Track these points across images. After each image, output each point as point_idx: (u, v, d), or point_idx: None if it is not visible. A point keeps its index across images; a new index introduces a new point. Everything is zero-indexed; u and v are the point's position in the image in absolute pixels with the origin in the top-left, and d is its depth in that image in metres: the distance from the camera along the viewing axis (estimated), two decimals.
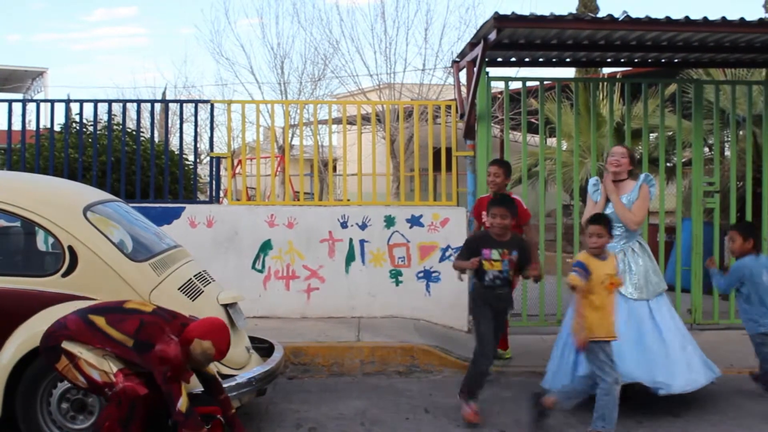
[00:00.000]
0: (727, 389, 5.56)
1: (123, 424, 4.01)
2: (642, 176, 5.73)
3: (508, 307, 5.40)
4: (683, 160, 11.01)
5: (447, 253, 7.80)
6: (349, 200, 9.42)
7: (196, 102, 9.26)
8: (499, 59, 8.22)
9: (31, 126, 9.71)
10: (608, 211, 5.55)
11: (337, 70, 20.96)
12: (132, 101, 9.45)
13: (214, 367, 4.69)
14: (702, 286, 7.99)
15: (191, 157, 12.17)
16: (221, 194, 9.16)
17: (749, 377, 5.91)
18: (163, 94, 24.96)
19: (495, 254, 5.14)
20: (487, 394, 5.83)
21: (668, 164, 10.25)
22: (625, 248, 5.57)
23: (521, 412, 5.37)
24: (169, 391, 4.00)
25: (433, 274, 7.81)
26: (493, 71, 8.14)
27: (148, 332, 4.08)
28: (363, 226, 7.83)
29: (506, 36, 7.21)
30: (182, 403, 3.98)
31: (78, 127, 8.64)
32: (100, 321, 4.13)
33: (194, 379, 4.39)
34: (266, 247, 7.82)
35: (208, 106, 8.71)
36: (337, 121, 16.46)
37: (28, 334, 4.38)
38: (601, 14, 8.07)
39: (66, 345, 4.06)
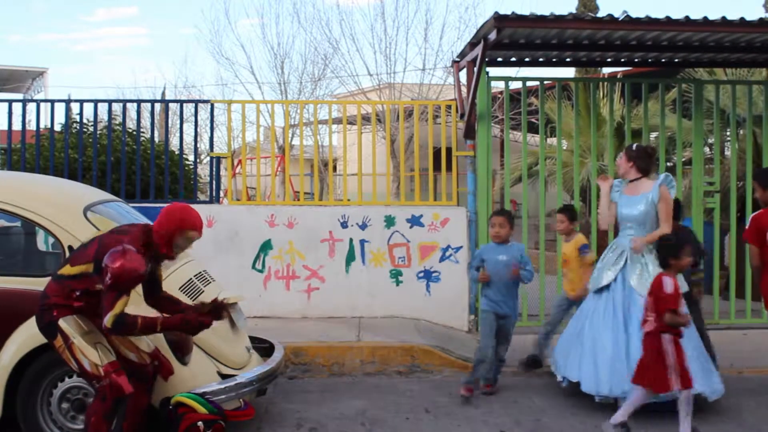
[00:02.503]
0: (727, 389, 5.55)
1: (109, 419, 4.03)
2: (662, 177, 5.62)
3: None
4: (683, 159, 11.00)
5: (447, 253, 7.81)
6: (349, 200, 9.41)
7: (196, 102, 9.26)
8: (499, 59, 8.22)
9: (31, 126, 9.72)
10: (626, 211, 5.58)
11: (337, 70, 20.99)
12: (132, 101, 9.46)
13: (213, 366, 4.70)
14: (702, 286, 7.98)
15: (191, 157, 12.18)
16: (221, 194, 9.16)
17: None
18: (162, 93, 24.97)
19: None
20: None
21: (668, 164, 10.23)
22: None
23: (521, 412, 5.38)
24: (104, 302, 3.96)
25: (434, 274, 7.81)
26: (493, 71, 8.14)
27: (105, 249, 4.04)
28: (363, 226, 7.83)
29: (506, 36, 7.21)
30: (109, 318, 3.92)
31: (78, 127, 8.64)
32: (65, 270, 4.14)
33: (197, 378, 4.39)
34: (266, 247, 7.82)
35: (208, 106, 8.72)
36: (337, 121, 16.46)
37: (29, 334, 4.37)
38: (601, 14, 8.07)
39: (62, 323, 4.05)
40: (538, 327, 7.60)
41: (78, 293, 4.09)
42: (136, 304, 4.40)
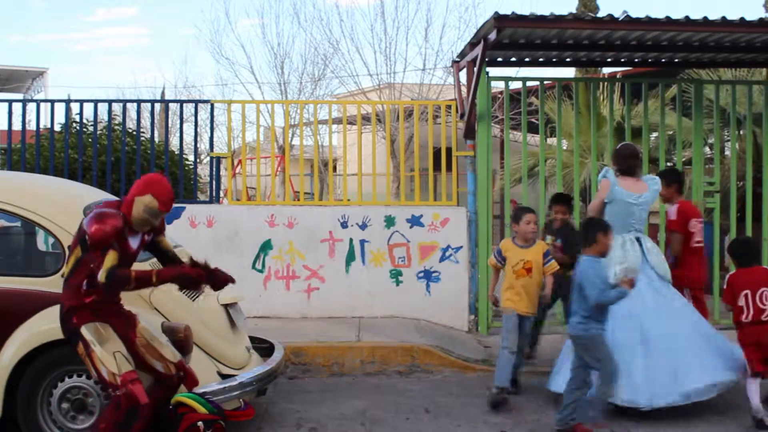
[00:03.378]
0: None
1: (119, 428, 4.01)
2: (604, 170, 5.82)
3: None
4: (683, 159, 11.01)
5: (447, 253, 7.81)
6: (349, 200, 9.42)
7: (196, 102, 9.26)
8: (499, 59, 8.22)
9: (31, 126, 9.71)
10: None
11: (337, 70, 20.98)
12: (132, 101, 9.46)
13: (214, 366, 4.70)
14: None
15: (191, 157, 12.17)
16: (221, 194, 9.15)
17: None
18: (162, 93, 24.96)
19: None
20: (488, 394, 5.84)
21: (668, 164, 10.23)
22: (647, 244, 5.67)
23: (521, 412, 5.38)
24: (95, 264, 3.98)
25: (434, 274, 7.81)
26: (493, 71, 8.14)
27: (85, 225, 4.07)
28: (363, 226, 7.83)
29: (506, 36, 7.22)
30: (102, 273, 3.94)
31: (78, 127, 8.64)
32: (66, 270, 4.16)
33: (204, 376, 4.40)
34: (266, 247, 7.82)
35: (208, 106, 8.72)
36: (337, 121, 16.45)
37: (29, 334, 4.38)
38: (601, 14, 8.08)
39: (83, 331, 4.05)
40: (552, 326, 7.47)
41: (84, 287, 4.08)
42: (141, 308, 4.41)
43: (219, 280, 4.43)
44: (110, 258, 3.96)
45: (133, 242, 4.21)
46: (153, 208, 4.11)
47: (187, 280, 4.20)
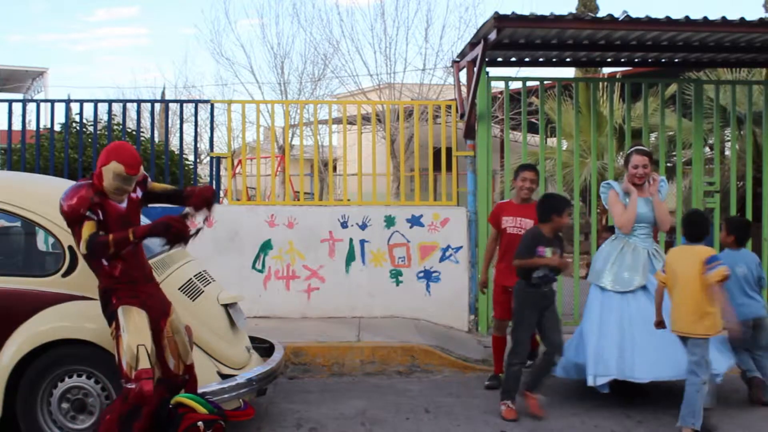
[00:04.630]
0: (726, 388, 5.55)
1: (123, 421, 4.02)
2: (660, 178, 5.77)
3: (552, 304, 5.43)
4: (683, 159, 11.01)
5: (447, 253, 7.81)
6: (349, 200, 9.42)
7: (196, 102, 9.26)
8: (499, 59, 8.22)
9: (31, 126, 9.72)
10: (641, 211, 5.60)
11: (337, 70, 20.98)
12: (132, 101, 9.46)
13: (214, 366, 4.70)
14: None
15: (191, 157, 12.20)
16: (221, 194, 9.16)
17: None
18: (162, 93, 24.96)
19: (548, 252, 5.20)
20: (488, 394, 5.84)
21: (668, 164, 10.24)
22: (650, 249, 5.63)
23: (522, 412, 5.37)
24: (75, 239, 4.07)
25: (434, 274, 7.81)
26: (493, 71, 8.14)
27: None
28: (363, 226, 7.83)
29: (506, 36, 7.21)
30: (82, 247, 4.03)
31: (78, 127, 8.64)
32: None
33: (204, 376, 4.40)
34: (266, 247, 7.82)
35: (208, 106, 8.72)
36: (337, 121, 16.45)
37: (29, 334, 4.38)
38: (601, 14, 8.07)
39: (119, 313, 4.08)
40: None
41: (105, 264, 4.12)
42: None
43: (197, 198, 4.41)
44: (87, 228, 4.02)
45: (122, 204, 4.23)
46: (121, 174, 4.12)
47: (164, 228, 4.14)
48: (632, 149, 5.81)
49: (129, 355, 4.00)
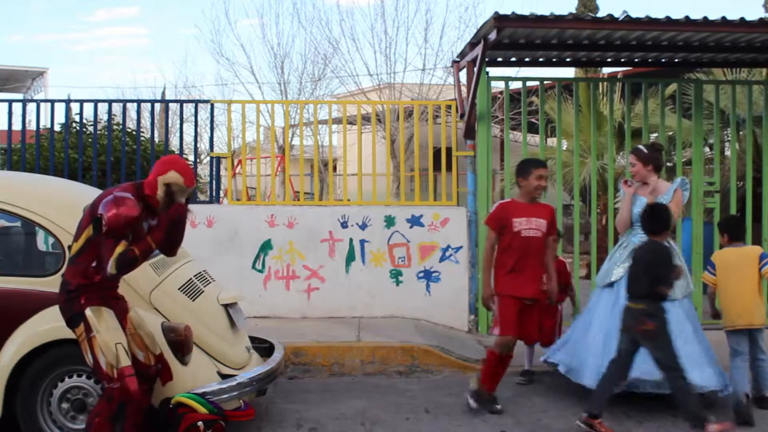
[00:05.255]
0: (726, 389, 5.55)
1: (113, 421, 4.02)
2: (678, 180, 5.72)
3: None
4: (683, 159, 11.01)
5: (447, 253, 7.81)
6: (349, 200, 9.42)
7: (196, 102, 9.25)
8: (499, 59, 8.22)
9: (31, 126, 9.72)
10: (636, 210, 5.57)
11: (337, 70, 20.98)
12: (132, 101, 9.46)
13: (213, 366, 4.70)
14: (702, 286, 7.98)
15: (191, 157, 12.17)
16: (221, 194, 9.16)
17: None
18: (162, 93, 24.96)
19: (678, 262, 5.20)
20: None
21: (668, 164, 10.23)
22: None
23: (521, 412, 5.38)
24: (103, 251, 3.99)
25: (434, 274, 7.81)
26: (493, 71, 8.14)
27: (97, 205, 4.06)
28: (363, 226, 7.83)
29: (506, 36, 7.22)
30: (111, 264, 3.97)
31: (78, 127, 8.64)
32: (74, 248, 4.14)
33: (197, 378, 4.40)
34: (266, 247, 7.82)
35: (208, 106, 8.72)
36: (337, 121, 16.46)
37: (29, 334, 4.38)
38: (601, 14, 8.08)
39: (88, 313, 4.03)
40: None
41: (93, 265, 4.07)
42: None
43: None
44: (119, 248, 3.98)
45: (146, 225, 4.23)
46: (179, 184, 4.13)
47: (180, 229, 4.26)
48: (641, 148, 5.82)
49: (109, 354, 3.98)
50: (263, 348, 5.51)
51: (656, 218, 5.06)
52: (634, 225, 5.63)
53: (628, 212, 5.63)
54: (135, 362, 4.15)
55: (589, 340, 5.54)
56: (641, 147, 5.77)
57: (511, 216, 5.32)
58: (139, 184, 4.21)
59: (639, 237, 5.50)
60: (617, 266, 5.59)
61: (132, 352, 4.16)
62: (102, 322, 4.04)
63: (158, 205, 4.14)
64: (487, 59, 7.53)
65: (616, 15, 6.90)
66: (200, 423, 4.20)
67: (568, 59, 8.44)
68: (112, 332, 4.05)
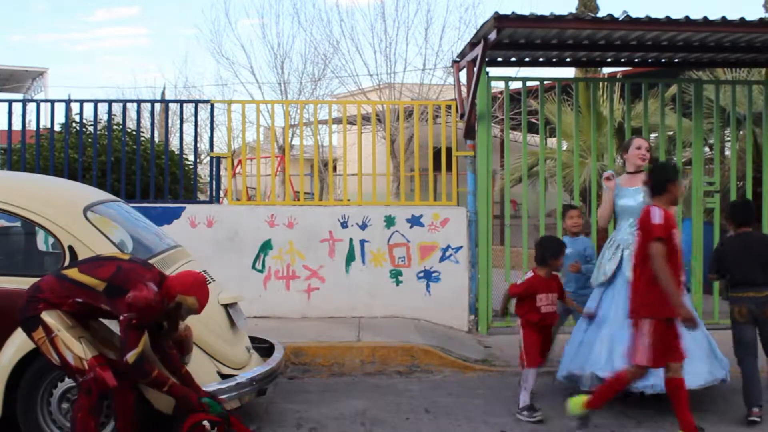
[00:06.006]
0: (726, 389, 5.55)
1: (95, 414, 4.03)
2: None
3: None
4: (683, 159, 11.01)
5: (447, 253, 7.80)
6: (349, 200, 9.42)
7: (196, 102, 9.25)
8: (499, 59, 8.22)
9: (31, 126, 9.71)
10: (624, 202, 5.58)
11: (337, 70, 20.96)
12: (132, 101, 9.46)
13: (213, 366, 4.70)
14: (702, 286, 7.99)
15: (191, 157, 12.18)
16: (221, 194, 9.15)
17: None
18: (162, 93, 24.95)
19: None
20: (488, 394, 5.84)
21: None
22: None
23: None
24: (126, 338, 3.98)
25: (434, 274, 7.81)
26: (493, 71, 8.14)
27: (125, 277, 4.05)
28: (363, 226, 7.82)
29: (506, 36, 7.21)
30: (132, 355, 3.96)
31: (78, 127, 8.64)
32: (72, 273, 4.15)
33: (197, 378, 4.40)
34: (266, 247, 7.82)
35: (208, 106, 8.71)
36: (337, 121, 16.44)
37: None
38: (601, 14, 8.07)
39: (45, 316, 4.04)
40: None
41: (78, 300, 4.09)
42: None
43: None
44: (143, 342, 4.01)
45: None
46: (193, 310, 4.16)
47: (187, 406, 4.22)
48: (630, 137, 5.86)
49: (75, 347, 4.00)
50: (263, 348, 5.51)
51: (748, 210, 5.33)
52: (619, 221, 5.66)
53: (611, 205, 5.68)
54: (110, 361, 4.15)
55: (593, 339, 5.47)
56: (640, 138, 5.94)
57: (670, 217, 4.76)
58: (163, 278, 4.20)
59: (624, 233, 5.52)
60: (609, 261, 5.57)
61: (102, 353, 4.15)
62: (60, 321, 4.06)
63: (161, 315, 4.14)
64: (487, 59, 7.53)
65: (616, 15, 6.90)
66: (206, 422, 4.20)
67: (568, 59, 8.43)
68: (73, 329, 4.07)
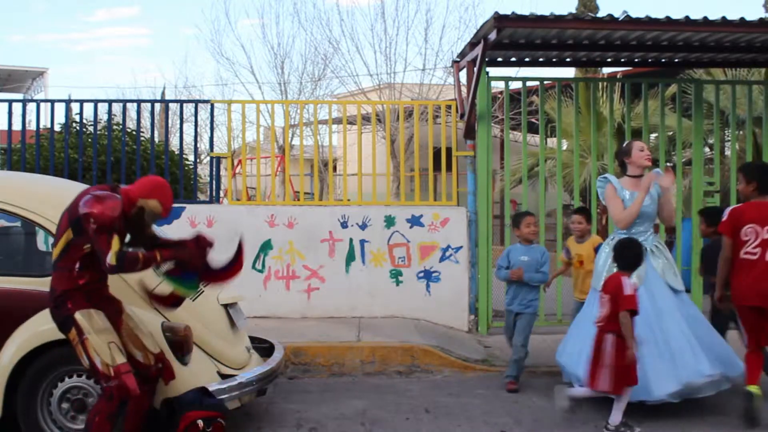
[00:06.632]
0: (726, 389, 5.55)
1: (112, 420, 4.02)
2: (656, 170, 5.66)
3: None
4: (683, 159, 11.02)
5: (447, 253, 7.81)
6: (349, 200, 9.42)
7: (196, 102, 9.26)
8: (499, 59, 8.22)
9: (31, 126, 9.72)
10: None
11: (337, 70, 20.95)
12: (132, 101, 9.46)
13: (213, 366, 4.70)
14: (702, 286, 7.98)
15: (191, 157, 12.18)
16: (221, 194, 9.15)
17: None
18: (162, 93, 24.95)
19: None
20: (488, 394, 5.84)
21: (668, 164, 10.24)
22: (650, 246, 5.54)
23: (521, 412, 5.38)
24: (99, 246, 3.94)
25: (434, 274, 7.81)
26: (493, 71, 8.14)
27: (76, 208, 4.03)
28: (363, 226, 7.83)
29: (506, 36, 7.22)
30: (111, 256, 3.91)
31: (78, 127, 8.64)
32: (55, 254, 4.13)
33: (197, 378, 4.40)
34: (266, 247, 7.82)
35: (208, 106, 8.72)
36: (337, 121, 16.46)
37: (29, 334, 4.37)
38: (601, 14, 8.08)
39: (78, 317, 4.03)
40: (538, 326, 7.54)
41: (77, 268, 4.06)
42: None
43: (202, 246, 4.36)
44: (116, 242, 3.96)
45: (161, 235, 4.28)
46: (157, 213, 4.14)
47: (191, 254, 4.21)
48: (629, 141, 5.83)
49: (103, 354, 3.99)
50: (263, 348, 5.51)
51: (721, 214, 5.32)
52: (614, 224, 5.66)
53: (639, 207, 5.51)
54: (134, 363, 4.15)
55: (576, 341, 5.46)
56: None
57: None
58: (115, 187, 4.19)
59: (639, 234, 5.51)
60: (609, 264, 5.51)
61: (130, 352, 4.16)
62: (93, 323, 4.04)
63: (128, 221, 4.11)
64: (487, 59, 7.53)
65: (616, 15, 6.90)
66: (200, 421, 4.20)
67: (568, 59, 8.44)
68: (103, 333, 4.05)
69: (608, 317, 4.79)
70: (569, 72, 27.12)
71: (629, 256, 5.00)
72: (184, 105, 8.66)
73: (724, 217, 5.28)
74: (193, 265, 4.25)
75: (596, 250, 6.07)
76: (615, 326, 4.74)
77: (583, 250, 6.28)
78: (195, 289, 4.38)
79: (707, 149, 10.98)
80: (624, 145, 5.83)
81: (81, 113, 8.40)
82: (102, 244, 3.94)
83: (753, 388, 4.94)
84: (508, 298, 6.10)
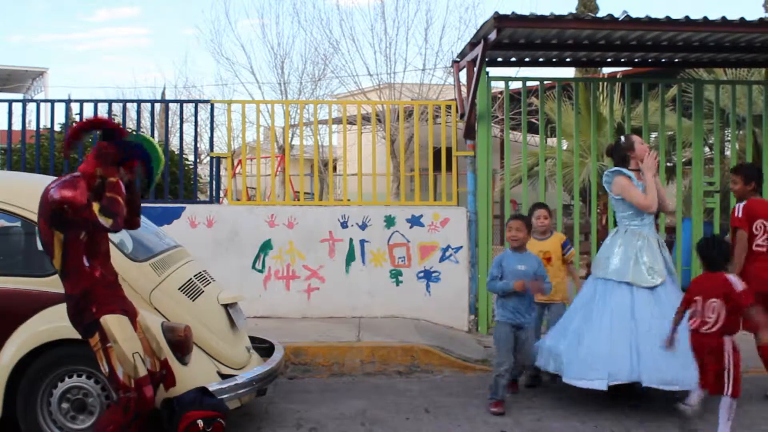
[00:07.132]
0: None
1: (125, 430, 4.00)
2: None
3: None
4: (683, 159, 11.01)
5: (447, 253, 7.80)
6: (349, 200, 9.41)
7: (196, 102, 9.26)
8: (499, 59, 8.23)
9: (31, 126, 9.72)
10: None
11: (337, 70, 20.95)
12: (132, 101, 9.46)
13: (213, 366, 4.70)
14: None
15: (191, 157, 12.19)
16: (221, 194, 9.15)
17: None
18: (162, 93, 24.94)
19: None
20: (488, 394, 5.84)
21: (668, 164, 10.24)
22: (659, 239, 5.58)
23: (521, 412, 5.38)
24: (88, 222, 3.92)
25: (434, 274, 7.81)
26: (493, 71, 8.15)
27: (47, 204, 3.99)
28: (363, 226, 7.83)
29: (506, 36, 7.22)
30: (102, 220, 3.89)
31: None
32: (57, 258, 4.07)
33: (197, 378, 4.40)
34: (266, 247, 7.82)
35: (208, 106, 8.72)
36: (337, 121, 16.44)
37: (29, 334, 4.38)
38: (601, 14, 8.08)
39: (103, 322, 3.96)
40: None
41: (86, 262, 4.01)
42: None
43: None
44: (95, 206, 3.92)
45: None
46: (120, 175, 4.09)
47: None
48: (627, 135, 5.79)
49: (127, 365, 3.96)
50: (263, 348, 5.51)
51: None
52: (639, 216, 5.51)
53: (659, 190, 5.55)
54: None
55: (597, 333, 5.37)
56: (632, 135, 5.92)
57: None
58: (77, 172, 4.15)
59: (649, 226, 5.53)
60: (655, 261, 5.45)
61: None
62: (119, 332, 4.00)
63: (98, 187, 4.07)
64: (487, 59, 7.54)
65: (616, 15, 6.91)
66: (200, 421, 4.20)
67: (568, 59, 8.44)
68: (129, 342, 4.01)
69: (726, 320, 4.58)
70: (569, 72, 27.17)
71: (717, 255, 4.78)
72: (184, 105, 8.67)
73: (740, 214, 5.64)
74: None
75: (563, 246, 6.15)
76: (734, 328, 4.65)
77: (549, 246, 6.11)
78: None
79: (707, 149, 10.97)
80: (623, 140, 5.72)
81: (81, 113, 8.39)
82: (88, 216, 3.90)
83: None
84: (506, 312, 5.43)
